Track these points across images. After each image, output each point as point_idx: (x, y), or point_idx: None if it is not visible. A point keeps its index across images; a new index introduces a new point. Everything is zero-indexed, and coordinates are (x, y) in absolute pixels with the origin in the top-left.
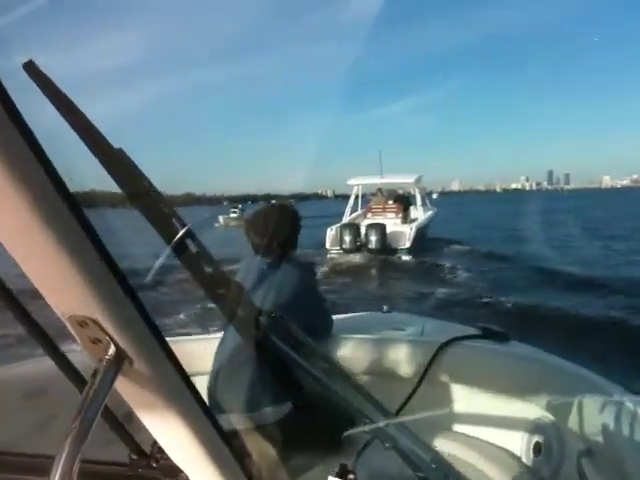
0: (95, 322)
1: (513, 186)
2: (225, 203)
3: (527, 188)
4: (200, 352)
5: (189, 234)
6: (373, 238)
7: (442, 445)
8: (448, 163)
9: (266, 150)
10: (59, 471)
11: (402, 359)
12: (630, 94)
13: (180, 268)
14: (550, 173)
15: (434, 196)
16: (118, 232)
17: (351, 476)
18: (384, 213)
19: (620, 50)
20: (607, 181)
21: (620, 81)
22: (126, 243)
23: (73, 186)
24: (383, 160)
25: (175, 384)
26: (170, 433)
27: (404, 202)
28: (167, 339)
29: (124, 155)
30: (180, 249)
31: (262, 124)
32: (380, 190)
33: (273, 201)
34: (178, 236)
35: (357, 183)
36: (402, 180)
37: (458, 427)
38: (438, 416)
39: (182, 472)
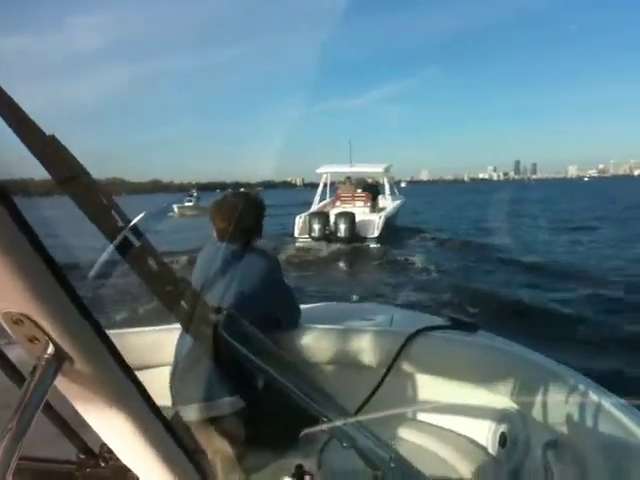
0: (31, 320)
1: (481, 176)
2: (193, 191)
3: (494, 178)
4: (162, 343)
5: (131, 227)
6: (342, 226)
7: (408, 435)
8: (417, 153)
9: (236, 138)
10: None
11: (371, 349)
12: (597, 84)
13: (124, 263)
14: (517, 163)
15: (402, 185)
16: (54, 223)
17: (307, 477)
18: (353, 202)
19: (588, 40)
20: (573, 171)
21: (588, 71)
22: (64, 235)
23: (2, 173)
24: (354, 149)
25: (119, 382)
26: (117, 432)
27: (373, 191)
28: (127, 330)
29: (57, 142)
30: (121, 243)
31: (233, 112)
32: (349, 179)
33: (241, 189)
34: (122, 229)
35: (326, 171)
36: (371, 169)
37: (425, 417)
38: (405, 406)
39: (130, 471)
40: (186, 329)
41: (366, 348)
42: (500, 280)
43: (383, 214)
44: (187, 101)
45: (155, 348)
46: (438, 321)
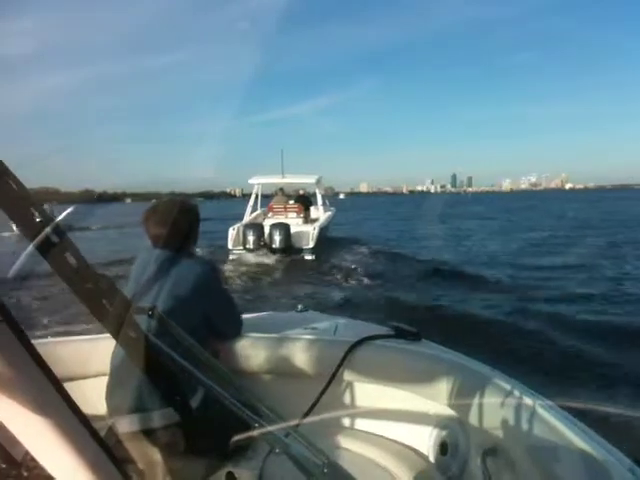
0: None
1: (419, 188)
2: (128, 200)
3: (432, 190)
4: (88, 354)
5: (53, 227)
6: (277, 237)
7: (347, 444)
8: (357, 165)
9: (174, 147)
10: None
11: (314, 359)
12: (532, 99)
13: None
14: (454, 176)
15: (341, 196)
16: None
17: None
18: (285, 213)
19: (522, 53)
20: (507, 185)
21: (522, 85)
22: None
23: None
24: (294, 160)
25: (42, 388)
26: (41, 440)
27: (305, 202)
28: (52, 340)
29: None
30: (44, 244)
31: (168, 121)
32: (281, 190)
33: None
34: (42, 227)
35: (258, 182)
36: (303, 180)
37: (366, 425)
38: (346, 415)
39: None
40: (111, 332)
41: (309, 357)
42: (424, 286)
43: (317, 225)
44: (120, 108)
45: (84, 359)
46: (382, 330)
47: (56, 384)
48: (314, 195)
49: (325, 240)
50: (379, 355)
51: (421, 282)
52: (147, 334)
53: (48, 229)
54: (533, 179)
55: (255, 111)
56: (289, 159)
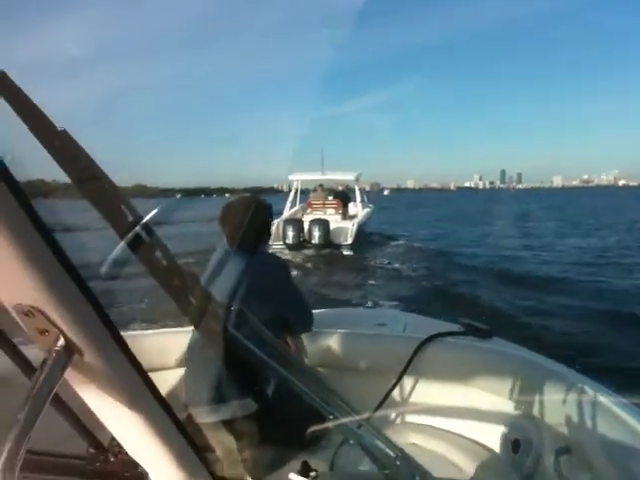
0: (41, 312)
1: (467, 184)
2: (178, 196)
3: (480, 186)
4: (166, 346)
5: (143, 225)
6: (317, 233)
7: (418, 439)
8: (404, 161)
9: (222, 143)
10: (2, 462)
11: (384, 354)
12: (583, 95)
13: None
14: (503, 172)
15: (385, 192)
16: (71, 225)
17: (313, 473)
18: (324, 209)
19: (576, 51)
20: (558, 181)
21: (575, 82)
22: (76, 232)
23: (18, 172)
24: (341, 157)
25: (129, 377)
26: (126, 427)
27: (344, 198)
28: (134, 333)
29: (69, 137)
30: (134, 241)
31: (218, 117)
32: (321, 186)
33: (227, 195)
34: (132, 226)
35: (298, 178)
36: (342, 177)
37: (437, 422)
38: (416, 411)
39: (140, 466)
40: (195, 326)
41: (379, 353)
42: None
43: (356, 221)
44: (170, 106)
45: (162, 351)
46: (452, 327)
47: (142, 374)
48: (354, 191)
49: (363, 236)
50: (449, 352)
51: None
52: (227, 326)
53: (139, 227)
54: (585, 176)
55: (303, 108)
56: (336, 156)
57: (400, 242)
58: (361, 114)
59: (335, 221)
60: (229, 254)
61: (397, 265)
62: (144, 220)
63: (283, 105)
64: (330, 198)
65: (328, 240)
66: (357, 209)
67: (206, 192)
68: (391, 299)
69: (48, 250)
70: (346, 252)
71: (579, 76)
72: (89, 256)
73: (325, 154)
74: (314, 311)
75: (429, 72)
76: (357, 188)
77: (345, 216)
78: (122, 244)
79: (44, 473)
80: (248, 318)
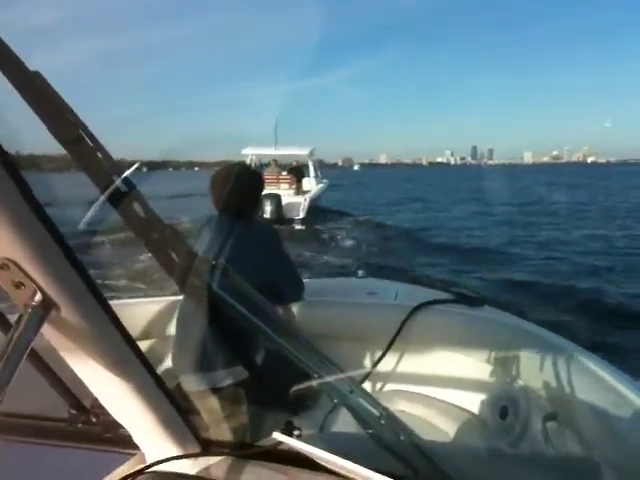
0: (16, 264)
1: (439, 160)
2: (144, 169)
3: (452, 162)
4: (153, 315)
5: (124, 179)
6: (268, 208)
7: (405, 406)
8: (377, 135)
9: (190, 116)
10: None
11: (375, 322)
12: (552, 69)
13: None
14: (474, 148)
15: (355, 167)
16: (49, 178)
17: (296, 432)
18: (278, 184)
19: (549, 22)
20: (529, 157)
21: (543, 56)
22: (58, 191)
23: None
24: (313, 129)
25: (110, 336)
26: (109, 388)
27: (298, 174)
28: (120, 302)
29: (42, 80)
30: (115, 195)
31: (184, 89)
32: (275, 161)
33: (196, 168)
34: (114, 187)
35: (251, 153)
36: (296, 152)
37: (426, 389)
38: (406, 378)
39: (122, 427)
40: (184, 290)
41: (370, 321)
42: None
43: (308, 196)
44: (138, 76)
45: (149, 320)
46: (443, 296)
47: (129, 340)
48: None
49: (316, 211)
50: (440, 319)
51: (398, 253)
52: (211, 285)
53: (118, 180)
54: (555, 152)
55: (278, 80)
56: (307, 129)
57: (351, 217)
58: (334, 86)
59: (288, 195)
60: (220, 221)
61: (345, 239)
62: (125, 173)
63: (256, 77)
64: (284, 173)
65: (280, 215)
66: (312, 184)
67: (174, 166)
68: (332, 269)
69: (24, 203)
70: (298, 226)
71: (552, 49)
72: (69, 213)
73: (296, 127)
74: (305, 280)
75: (403, 45)
76: (310, 163)
77: (299, 191)
78: (102, 198)
79: (24, 435)
80: (238, 282)
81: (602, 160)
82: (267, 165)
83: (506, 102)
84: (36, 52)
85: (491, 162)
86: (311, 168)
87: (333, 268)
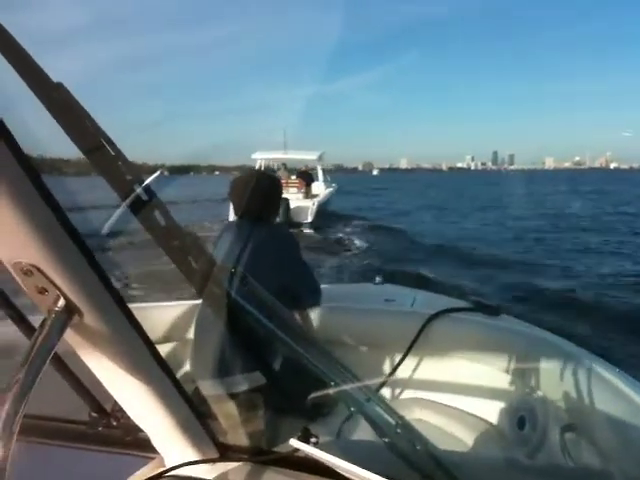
0: (40, 271)
1: (459, 165)
2: (165, 173)
3: (472, 167)
4: (172, 319)
5: (145, 187)
6: None
7: (422, 414)
8: (397, 140)
9: (211, 121)
10: (1, 423)
11: (392, 329)
12: (576, 75)
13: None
14: (495, 153)
15: (374, 172)
16: (74, 188)
17: (313, 439)
18: (287, 188)
19: (566, 31)
20: (550, 163)
21: (568, 62)
22: (82, 200)
23: (18, 133)
24: (335, 134)
25: (132, 341)
26: (130, 392)
27: (306, 178)
28: (140, 305)
29: (65, 90)
30: (135, 204)
31: (208, 96)
32: (284, 165)
33: (216, 172)
34: (135, 195)
35: (261, 157)
36: (305, 156)
37: (443, 397)
38: (423, 386)
39: (142, 431)
40: (202, 295)
41: (387, 328)
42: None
43: (316, 200)
44: (157, 81)
45: (169, 324)
46: (460, 304)
47: (149, 345)
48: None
49: (325, 215)
50: (457, 328)
51: (408, 258)
52: (230, 291)
53: (139, 189)
54: (577, 158)
55: (297, 87)
56: (328, 135)
57: (361, 222)
58: (354, 92)
59: (296, 199)
60: (240, 226)
61: (354, 243)
62: (146, 182)
63: (275, 84)
64: (293, 177)
65: (288, 219)
66: (320, 188)
67: (196, 170)
68: (335, 272)
69: (48, 209)
70: (306, 230)
71: (574, 55)
72: (91, 219)
73: (316, 133)
74: (322, 286)
75: (423, 49)
76: (319, 167)
77: (307, 195)
78: (123, 206)
79: (45, 437)
80: (257, 288)
81: (625, 166)
82: (277, 169)
83: (527, 107)
84: (57, 58)
85: (512, 167)
86: (320, 172)
87: (341, 273)
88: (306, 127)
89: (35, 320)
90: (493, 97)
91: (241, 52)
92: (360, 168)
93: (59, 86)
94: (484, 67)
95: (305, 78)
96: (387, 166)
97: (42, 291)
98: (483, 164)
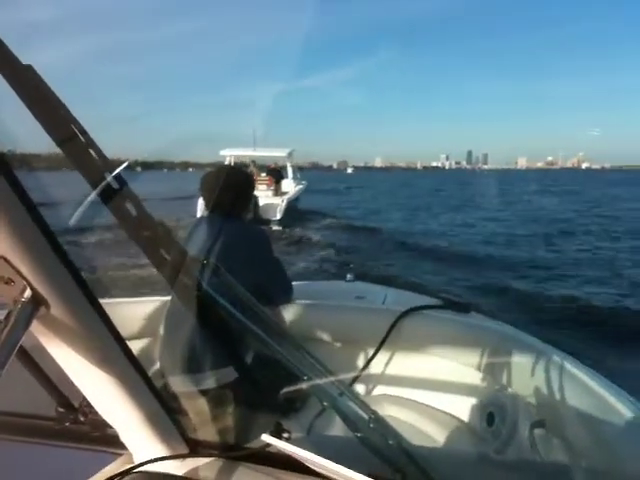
0: (6, 260)
1: (434, 164)
2: (138, 169)
3: (447, 167)
4: (141, 315)
5: (125, 190)
6: None
7: (393, 411)
8: (372, 139)
9: (184, 116)
10: None
11: (363, 327)
12: (547, 77)
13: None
14: (469, 153)
15: (349, 171)
16: (52, 194)
17: (285, 434)
18: (256, 185)
19: (540, 31)
20: (523, 162)
21: (539, 63)
22: (50, 190)
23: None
24: (310, 132)
25: (100, 335)
26: (98, 387)
27: (276, 175)
28: (109, 300)
29: (34, 73)
30: (106, 192)
31: (183, 92)
32: (253, 162)
33: (190, 169)
34: (105, 183)
35: (230, 154)
36: (275, 153)
37: (413, 394)
38: (393, 383)
39: (111, 427)
40: (173, 288)
41: (358, 325)
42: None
43: (285, 198)
44: (133, 75)
45: (138, 319)
46: (431, 302)
47: (118, 339)
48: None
49: (294, 212)
50: (427, 325)
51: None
52: (201, 283)
53: (109, 177)
54: (550, 158)
55: (272, 80)
56: (302, 131)
57: (330, 220)
58: (329, 88)
59: (265, 197)
60: (210, 221)
61: (321, 240)
62: (117, 170)
63: (250, 78)
64: (263, 175)
65: (257, 215)
66: (290, 186)
67: (169, 166)
68: (300, 270)
69: (15, 199)
70: (275, 227)
71: (546, 55)
72: (60, 211)
73: (292, 131)
74: (293, 283)
75: (399, 47)
76: (289, 165)
77: (277, 192)
78: (93, 194)
79: (11, 434)
80: (228, 282)
81: (597, 166)
82: (246, 166)
83: (501, 107)
84: (29, 47)
85: (486, 167)
86: (289, 170)
87: (307, 269)
88: (282, 124)
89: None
90: (468, 97)
91: (218, 47)
92: (335, 166)
93: (28, 68)
94: (461, 67)
95: (280, 74)
96: (362, 164)
97: (8, 281)
98: (457, 163)
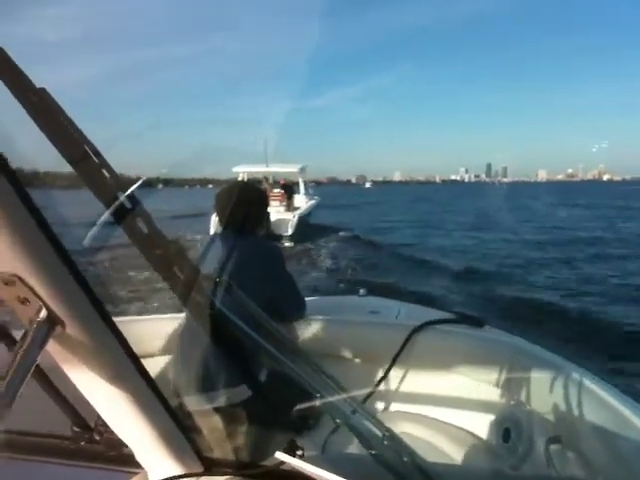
0: (22, 280)
1: (452, 177)
2: (160, 186)
3: (466, 180)
4: (155, 333)
5: (138, 208)
6: None
7: (407, 427)
8: (390, 153)
9: (202, 133)
10: None
11: (377, 342)
12: (568, 88)
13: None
14: (489, 166)
15: (367, 185)
16: (57, 197)
17: (299, 452)
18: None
19: (567, 40)
20: (543, 175)
21: (561, 75)
22: (65, 210)
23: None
24: (329, 147)
25: (115, 354)
26: (113, 406)
27: (288, 191)
28: (123, 318)
29: (47, 96)
30: (119, 212)
31: (198, 110)
32: (266, 178)
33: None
34: (118, 203)
35: (242, 171)
36: (287, 169)
37: (428, 410)
38: (407, 398)
39: (126, 446)
40: (186, 307)
41: (372, 340)
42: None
43: (297, 213)
44: (151, 93)
45: (152, 337)
46: (445, 316)
47: (133, 358)
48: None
49: (306, 227)
50: (441, 339)
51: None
52: (214, 301)
53: (122, 197)
54: (570, 170)
55: (288, 101)
56: (324, 146)
57: (342, 234)
58: (349, 104)
59: (277, 212)
60: (224, 237)
61: (332, 256)
62: (131, 189)
63: (266, 97)
64: (275, 190)
65: (269, 232)
66: (302, 201)
67: (189, 183)
68: (312, 285)
69: (30, 218)
70: (287, 243)
71: (569, 66)
72: (74, 230)
73: (310, 146)
74: (306, 299)
75: (416, 60)
76: (301, 180)
77: (289, 208)
78: (106, 214)
79: (27, 453)
80: (241, 299)
81: (617, 178)
82: (259, 182)
83: (521, 119)
84: (42, 68)
85: (505, 180)
86: (301, 185)
87: (319, 285)
88: (300, 140)
89: (18, 335)
90: (487, 108)
91: (233, 65)
92: (354, 181)
93: (42, 91)
94: (478, 78)
95: (297, 90)
96: (381, 179)
97: (24, 301)
98: (477, 176)
